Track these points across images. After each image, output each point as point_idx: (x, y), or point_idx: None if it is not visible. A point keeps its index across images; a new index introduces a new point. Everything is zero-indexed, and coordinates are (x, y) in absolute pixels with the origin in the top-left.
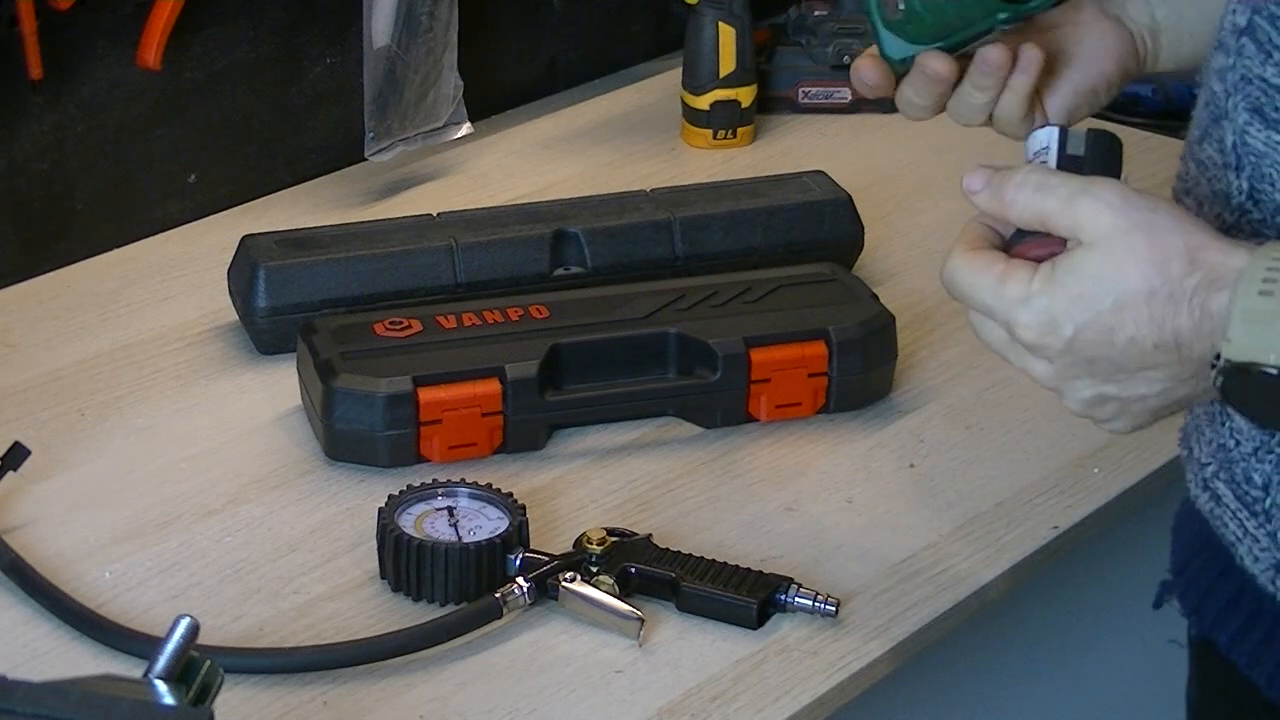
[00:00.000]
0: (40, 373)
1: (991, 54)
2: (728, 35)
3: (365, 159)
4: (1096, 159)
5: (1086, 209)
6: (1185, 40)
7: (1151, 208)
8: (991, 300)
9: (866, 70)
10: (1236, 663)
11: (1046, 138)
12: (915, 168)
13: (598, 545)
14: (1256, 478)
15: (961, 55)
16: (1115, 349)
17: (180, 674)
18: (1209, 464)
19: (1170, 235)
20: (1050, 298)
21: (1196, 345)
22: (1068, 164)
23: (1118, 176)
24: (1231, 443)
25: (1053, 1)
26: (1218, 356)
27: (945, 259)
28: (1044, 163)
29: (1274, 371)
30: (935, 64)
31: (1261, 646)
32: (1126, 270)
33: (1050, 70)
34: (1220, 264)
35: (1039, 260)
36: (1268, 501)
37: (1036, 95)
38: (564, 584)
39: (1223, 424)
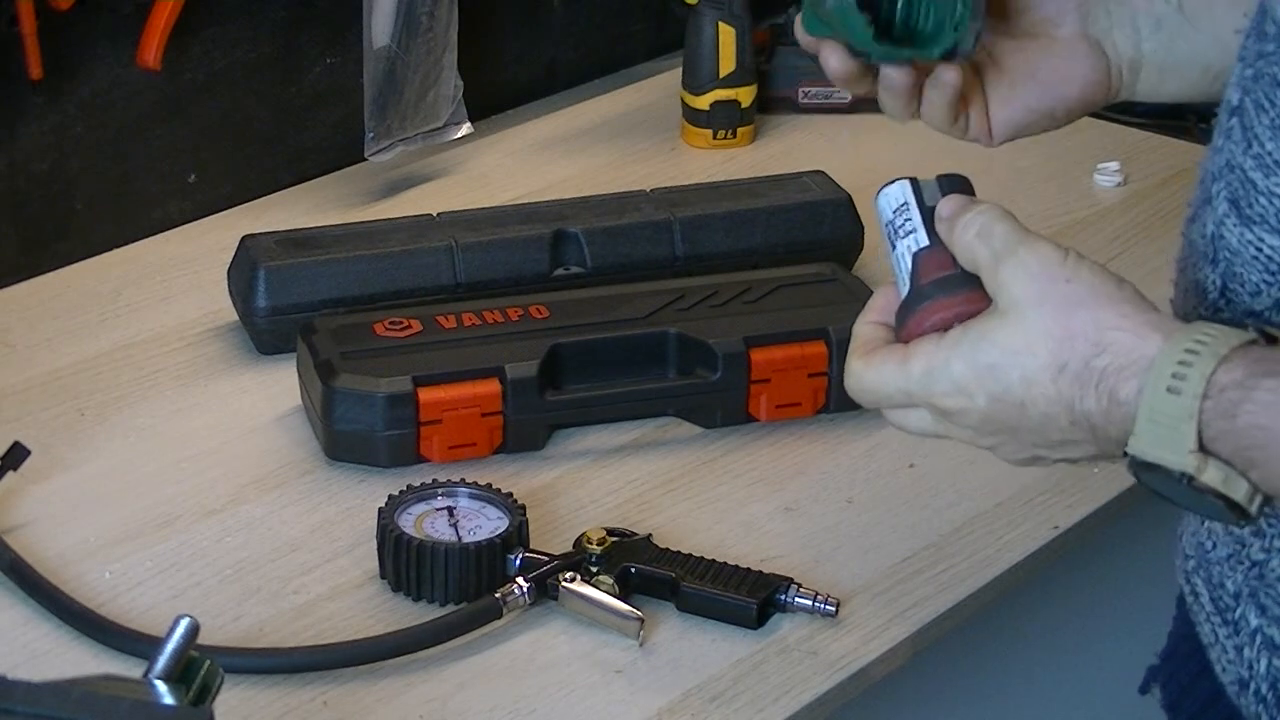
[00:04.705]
0: (40, 373)
1: (894, 75)
2: (728, 35)
3: (365, 159)
4: None
5: (1007, 271)
6: (1170, 77)
7: (1068, 276)
8: (902, 384)
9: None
10: None
11: (901, 193)
12: (915, 168)
13: (598, 545)
14: (1229, 585)
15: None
16: (1031, 421)
17: (180, 674)
18: (1191, 557)
19: (1079, 310)
20: (962, 363)
21: (1109, 429)
22: (930, 215)
23: None
24: (1209, 544)
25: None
26: (1128, 446)
27: (845, 375)
28: (908, 219)
29: (1177, 473)
30: (831, 61)
31: None
32: (1033, 345)
33: (1009, 80)
34: (1131, 349)
35: (937, 328)
36: (1238, 612)
37: (983, 103)
38: (564, 584)
39: (1201, 522)
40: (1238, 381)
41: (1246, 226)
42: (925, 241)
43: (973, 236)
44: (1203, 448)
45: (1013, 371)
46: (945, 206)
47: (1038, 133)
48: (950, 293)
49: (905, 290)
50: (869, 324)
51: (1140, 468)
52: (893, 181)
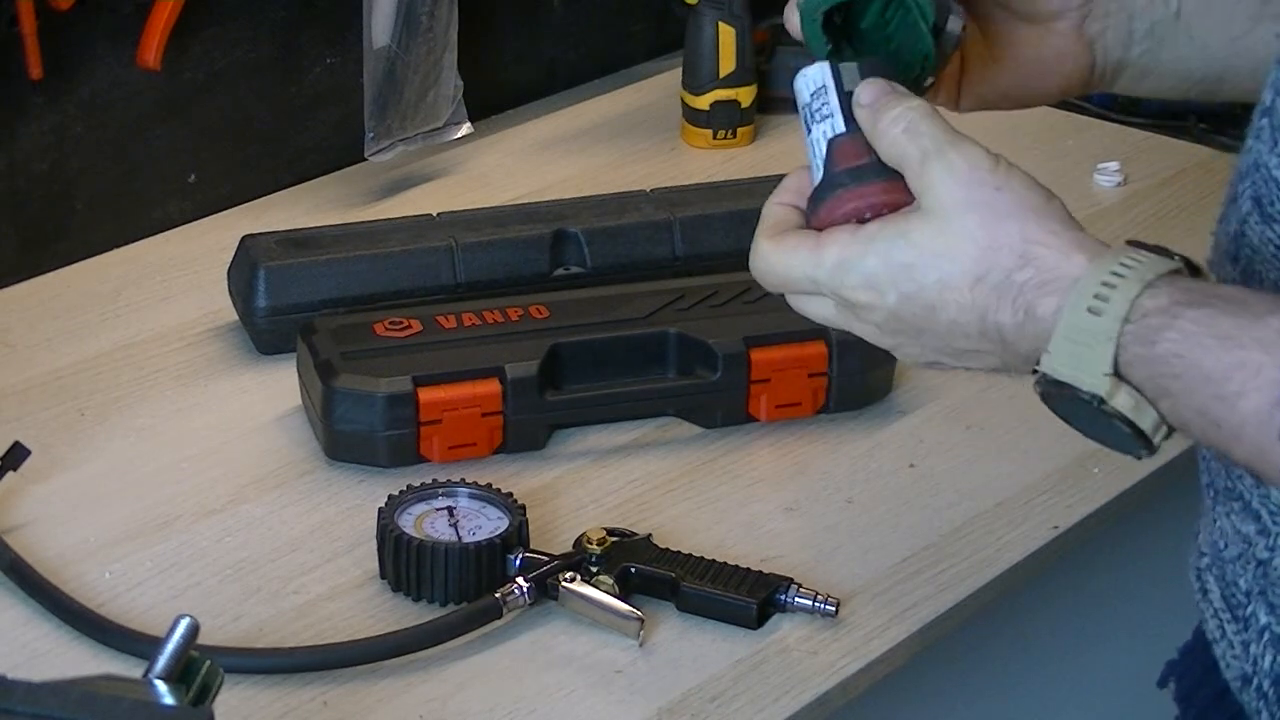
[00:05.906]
0: (40, 373)
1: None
2: (728, 35)
3: (365, 159)
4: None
5: (935, 172)
6: (1148, 81)
7: (999, 184)
8: (811, 272)
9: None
10: None
11: (820, 76)
12: None
13: (598, 545)
14: (1241, 584)
15: None
16: (939, 326)
17: (180, 674)
18: (1205, 555)
19: (1007, 221)
20: (877, 258)
21: (1021, 343)
22: (848, 101)
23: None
24: (1222, 544)
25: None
26: (1039, 362)
27: (751, 252)
28: (825, 103)
29: (1088, 395)
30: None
31: None
32: (955, 250)
33: (992, 57)
34: (1055, 266)
35: (850, 217)
36: (1249, 610)
37: (957, 70)
38: (564, 584)
39: (1214, 521)
40: (1161, 308)
41: (1267, 224)
42: (841, 128)
43: (899, 132)
44: (1117, 372)
45: (929, 274)
46: (865, 93)
47: (999, 110)
48: (865, 182)
49: (818, 176)
50: (780, 205)
51: (1050, 386)
52: (811, 62)
